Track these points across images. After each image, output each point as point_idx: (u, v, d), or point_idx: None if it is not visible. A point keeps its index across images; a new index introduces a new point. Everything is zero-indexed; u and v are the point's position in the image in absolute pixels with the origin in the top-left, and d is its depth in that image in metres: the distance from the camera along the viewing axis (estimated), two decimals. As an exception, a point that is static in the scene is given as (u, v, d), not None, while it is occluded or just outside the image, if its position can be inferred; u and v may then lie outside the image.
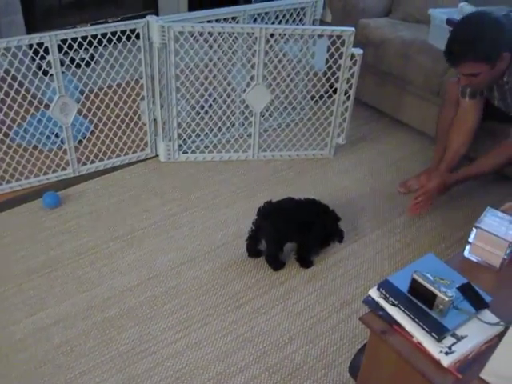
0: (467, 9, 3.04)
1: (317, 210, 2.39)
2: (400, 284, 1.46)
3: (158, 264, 2.39)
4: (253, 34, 2.69)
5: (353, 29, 2.74)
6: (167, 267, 2.37)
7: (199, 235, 2.54)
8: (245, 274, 2.35)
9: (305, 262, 2.41)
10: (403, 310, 1.40)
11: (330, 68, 2.95)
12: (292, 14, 3.08)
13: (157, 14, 4.32)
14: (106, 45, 2.66)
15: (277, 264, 2.39)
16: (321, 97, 3.04)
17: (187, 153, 3.02)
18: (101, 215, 2.64)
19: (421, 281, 1.40)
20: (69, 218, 2.61)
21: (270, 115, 3.15)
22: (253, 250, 2.43)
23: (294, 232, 2.34)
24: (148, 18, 2.65)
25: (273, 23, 3.05)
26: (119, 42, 2.68)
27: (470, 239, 1.66)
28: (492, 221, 1.65)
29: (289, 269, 2.39)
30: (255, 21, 3.01)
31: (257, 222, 2.37)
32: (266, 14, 3.00)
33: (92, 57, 2.72)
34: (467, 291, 1.47)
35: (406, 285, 1.45)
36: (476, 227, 1.64)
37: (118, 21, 3.98)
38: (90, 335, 2.07)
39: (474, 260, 1.67)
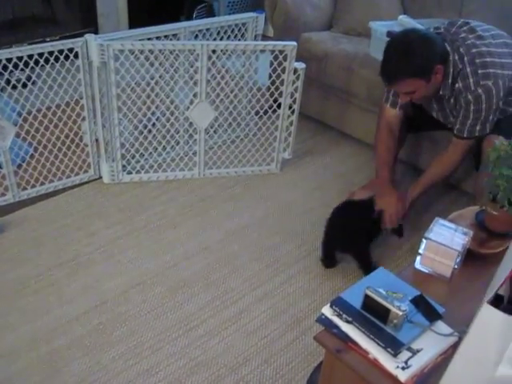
0: (406, 21, 3.09)
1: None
2: (353, 300, 1.44)
3: (105, 290, 2.31)
4: (194, 50, 2.65)
5: (294, 43, 2.74)
6: (115, 293, 2.30)
7: (146, 258, 2.48)
8: (195, 295, 2.30)
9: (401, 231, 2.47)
10: (357, 327, 1.38)
11: (273, 83, 2.94)
12: (234, 29, 3.06)
13: (96, 32, 4.24)
14: (43, 65, 2.58)
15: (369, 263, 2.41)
16: (265, 112, 3.03)
17: (131, 173, 2.95)
18: (44, 241, 2.54)
19: (374, 296, 1.38)
20: (10, 246, 2.50)
21: (214, 132, 3.12)
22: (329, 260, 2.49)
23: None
24: (86, 36, 2.59)
25: (215, 39, 3.03)
26: (57, 61, 2.61)
27: (420, 250, 1.66)
28: (441, 231, 1.66)
29: (240, 288, 2.35)
30: (197, 37, 2.98)
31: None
32: (208, 30, 2.97)
33: (29, 78, 2.63)
34: (420, 303, 1.46)
35: (359, 301, 1.43)
36: (425, 238, 1.64)
37: (56, 40, 3.88)
38: (35, 369, 1.97)
39: (425, 271, 1.67)
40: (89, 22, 4.35)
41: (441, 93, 2.31)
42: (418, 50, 2.15)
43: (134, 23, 4.56)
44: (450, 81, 2.26)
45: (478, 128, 2.31)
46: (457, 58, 2.22)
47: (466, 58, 2.21)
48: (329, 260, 2.49)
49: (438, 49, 2.19)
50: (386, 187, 2.50)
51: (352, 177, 3.09)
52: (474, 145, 2.40)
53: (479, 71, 2.19)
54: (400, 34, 2.29)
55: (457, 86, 2.25)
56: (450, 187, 2.96)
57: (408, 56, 2.15)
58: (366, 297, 1.39)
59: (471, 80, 2.21)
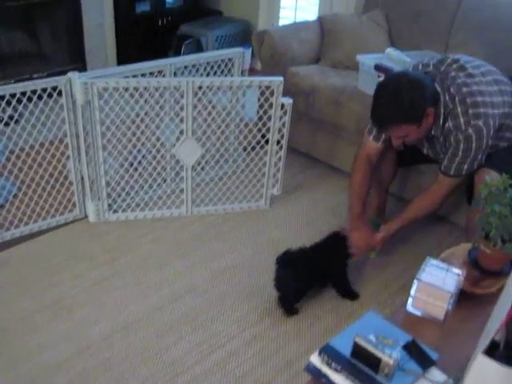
0: (394, 54, 3.08)
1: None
2: (342, 348, 1.38)
3: (89, 334, 2.23)
4: (180, 87, 2.62)
5: (281, 78, 2.71)
6: (99, 337, 2.22)
7: (132, 300, 2.40)
8: (182, 338, 2.22)
9: (350, 293, 2.44)
10: (347, 377, 1.32)
11: (260, 118, 2.91)
12: (220, 65, 3.04)
13: (85, 68, 4.24)
14: (26, 103, 2.54)
15: (291, 309, 2.36)
16: (253, 148, 2.99)
17: (118, 212, 2.89)
18: (27, 284, 2.47)
19: (364, 344, 1.32)
20: (-9, 289, 2.44)
21: (202, 169, 3.07)
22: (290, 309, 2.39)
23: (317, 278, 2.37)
24: (70, 74, 2.55)
25: (201, 75, 3.00)
26: (40, 99, 2.57)
27: (412, 292, 1.60)
28: (432, 271, 1.61)
29: (228, 330, 2.27)
30: (183, 73, 2.95)
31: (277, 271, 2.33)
32: (194, 66, 2.95)
33: (12, 116, 2.59)
34: (412, 349, 1.40)
35: (348, 348, 1.37)
36: (417, 279, 1.59)
37: (43, 77, 3.86)
38: (13, 421, 1.89)
39: (418, 314, 1.61)
40: (77, 59, 4.36)
41: (432, 133, 2.29)
42: (408, 96, 2.11)
43: (122, 59, 4.57)
44: (441, 121, 2.23)
45: (465, 167, 2.27)
46: (447, 98, 2.20)
47: (456, 98, 2.18)
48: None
49: (429, 91, 2.16)
50: (356, 222, 2.51)
51: (342, 212, 3.04)
52: (460, 182, 2.37)
53: (470, 111, 2.16)
54: (389, 78, 2.26)
55: (447, 125, 2.22)
56: (442, 220, 2.92)
57: (398, 102, 2.12)
58: (356, 345, 1.33)
59: (462, 120, 2.17)
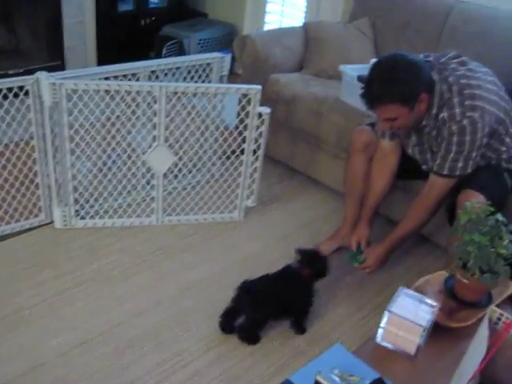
0: (377, 66, 2.99)
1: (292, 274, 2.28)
2: (303, 385, 1.28)
3: (45, 349, 2.11)
4: (153, 92, 2.51)
5: (259, 87, 2.60)
6: (56, 353, 2.10)
7: (94, 313, 2.29)
8: (143, 357, 2.11)
9: (300, 328, 2.29)
10: (307, 419, 1.22)
11: (237, 127, 2.80)
12: (198, 70, 2.93)
13: (63, 66, 4.13)
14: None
15: (254, 339, 2.23)
16: (228, 157, 2.88)
17: (85, 218, 2.77)
18: (-16, 292, 2.35)
19: (325, 383, 1.21)
20: None
21: (174, 177, 2.95)
22: (228, 328, 2.24)
23: (279, 307, 2.21)
24: (38, 74, 2.43)
25: (185, 78, 2.89)
26: (5, 99, 2.45)
27: (382, 324, 1.50)
28: (405, 303, 1.51)
29: (191, 349, 2.16)
30: (162, 77, 2.84)
31: (237, 298, 2.19)
32: (170, 70, 2.84)
33: (-25, 115, 2.48)
34: (379, 389, 1.30)
35: (310, 385, 1.26)
36: (388, 311, 1.48)
37: (20, 73, 3.75)
38: None
39: (388, 346, 1.51)
40: (55, 56, 4.23)
41: (424, 123, 2.21)
42: (403, 76, 2.05)
43: (102, 58, 4.45)
44: (434, 111, 2.16)
45: (459, 165, 2.18)
46: (445, 87, 2.12)
47: (454, 88, 2.11)
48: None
49: (425, 77, 2.10)
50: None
51: (320, 226, 2.95)
52: (451, 187, 2.27)
53: (466, 102, 2.09)
54: (387, 57, 2.17)
55: (441, 115, 2.14)
56: (422, 240, 2.84)
57: (393, 81, 2.05)
58: (317, 383, 1.23)
59: (457, 110, 2.10)
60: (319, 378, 1.22)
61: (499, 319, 1.46)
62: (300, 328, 2.29)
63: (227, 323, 2.24)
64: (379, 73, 2.10)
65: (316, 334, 2.28)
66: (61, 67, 4.09)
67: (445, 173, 2.22)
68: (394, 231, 2.43)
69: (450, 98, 2.12)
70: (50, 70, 2.53)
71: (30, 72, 2.50)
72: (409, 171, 2.53)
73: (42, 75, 2.42)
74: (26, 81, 2.42)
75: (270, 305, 2.17)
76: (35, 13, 4.12)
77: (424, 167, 2.41)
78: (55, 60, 4.21)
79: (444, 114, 2.14)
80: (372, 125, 2.58)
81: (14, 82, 2.42)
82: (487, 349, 1.13)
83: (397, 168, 2.52)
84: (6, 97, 2.44)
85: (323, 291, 2.44)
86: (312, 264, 2.28)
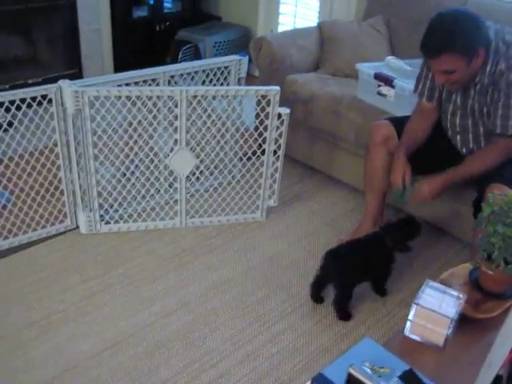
0: (394, 62, 3.02)
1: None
2: (336, 378, 1.31)
3: (77, 352, 2.15)
4: (173, 96, 2.55)
5: (278, 88, 2.63)
6: (87, 355, 2.14)
7: (122, 316, 2.33)
8: (173, 357, 2.15)
9: (382, 290, 2.47)
10: (340, 410, 1.24)
11: (256, 128, 2.83)
12: (216, 73, 2.96)
13: (81, 74, 4.19)
14: (14, 112, 2.47)
15: (344, 313, 2.35)
16: (249, 158, 2.91)
17: (110, 223, 2.82)
18: (15, 298, 2.39)
19: (358, 375, 1.24)
20: (-23, 304, 2.36)
21: (196, 179, 2.99)
22: (317, 297, 2.42)
23: (365, 272, 2.36)
24: (60, 82, 2.48)
25: (204, 81, 2.93)
26: (30, 108, 2.50)
27: (410, 317, 1.52)
28: (431, 295, 1.53)
29: (220, 348, 2.19)
30: (180, 81, 2.88)
31: (324, 266, 2.32)
32: (189, 74, 2.87)
33: (0, 125, 2.52)
34: (410, 380, 1.32)
35: (341, 378, 1.29)
36: (415, 304, 1.51)
37: (39, 82, 3.80)
38: None
39: (416, 339, 1.53)
40: (73, 64, 4.29)
41: (476, 80, 2.23)
42: (465, 28, 2.08)
43: (119, 65, 4.51)
44: (488, 68, 2.18)
45: None
46: (500, 44, 2.16)
47: (511, 45, 2.16)
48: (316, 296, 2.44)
49: (484, 32, 2.13)
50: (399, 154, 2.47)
51: (341, 224, 2.97)
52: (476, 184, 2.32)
53: None
54: (448, 10, 2.19)
55: (498, 68, 2.16)
56: (443, 233, 2.85)
57: (454, 31, 2.08)
58: (350, 376, 1.26)
59: None
60: (352, 371, 1.25)
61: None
62: (382, 291, 2.47)
63: (316, 292, 2.41)
64: (440, 23, 2.12)
65: (341, 331, 2.30)
66: (78, 75, 4.13)
67: (509, 133, 2.21)
68: (455, 169, 2.37)
69: (506, 51, 2.15)
70: (68, 78, 2.56)
71: (49, 81, 2.55)
72: (431, 165, 2.54)
73: (64, 83, 2.47)
74: (49, 89, 2.47)
75: (355, 271, 2.30)
76: (52, 22, 4.18)
77: (463, 151, 2.45)
78: (73, 68, 4.27)
79: (501, 66, 2.16)
80: (391, 119, 2.60)
81: (37, 90, 2.46)
82: (516, 337, 1.15)
83: (434, 128, 2.53)
84: (29, 105, 2.49)
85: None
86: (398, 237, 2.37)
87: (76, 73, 4.19)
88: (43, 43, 4.31)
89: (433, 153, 2.50)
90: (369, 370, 1.26)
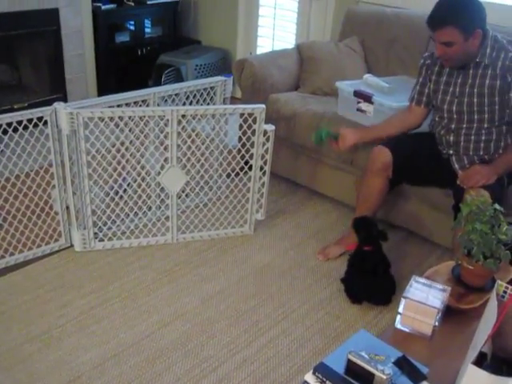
0: (371, 79, 3.17)
1: None
2: (336, 365, 1.42)
3: (79, 363, 2.23)
4: (164, 116, 2.66)
5: (263, 106, 2.77)
6: (89, 366, 2.22)
7: (122, 328, 2.41)
8: (173, 364, 2.24)
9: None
10: (342, 394, 1.35)
11: (243, 145, 2.96)
12: (202, 93, 3.09)
13: (65, 98, 4.26)
14: (11, 134, 2.56)
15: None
16: (237, 174, 3.03)
17: (103, 240, 2.91)
18: (14, 315, 2.46)
19: (357, 361, 1.36)
20: (-23, 322, 2.43)
21: (186, 196, 3.10)
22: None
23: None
24: (55, 104, 2.58)
25: (184, 103, 3.05)
26: (26, 130, 2.59)
27: (400, 310, 1.65)
28: (418, 289, 1.66)
29: (219, 355, 2.29)
30: (166, 102, 2.99)
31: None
32: (177, 94, 2.99)
33: (-3, 147, 2.62)
34: (403, 365, 1.44)
35: (342, 366, 1.40)
36: (404, 297, 1.63)
37: (24, 107, 3.89)
38: None
39: (406, 330, 1.65)
40: (57, 89, 4.38)
41: (477, 59, 2.45)
42: (469, 7, 2.36)
43: (102, 88, 4.61)
44: (488, 50, 2.44)
45: None
46: (499, 36, 2.46)
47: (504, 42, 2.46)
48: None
49: (483, 16, 2.40)
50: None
51: (326, 235, 3.09)
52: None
53: None
54: None
55: (507, 55, 2.42)
56: (423, 240, 2.98)
57: (459, 8, 2.35)
58: (349, 362, 1.37)
59: None
60: (351, 357, 1.36)
61: (505, 292, 1.60)
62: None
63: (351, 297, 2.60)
64: (448, 2, 2.40)
65: (332, 334, 2.41)
66: (63, 99, 4.21)
67: None
68: (500, 157, 2.55)
69: (504, 46, 2.43)
70: (53, 102, 2.64)
71: (34, 105, 2.64)
72: (425, 176, 2.73)
73: (59, 105, 2.57)
74: (45, 111, 2.57)
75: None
76: (37, 48, 4.28)
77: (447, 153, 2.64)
78: (57, 92, 4.35)
79: (502, 55, 2.42)
80: (389, 144, 2.71)
81: (34, 113, 2.56)
82: (497, 317, 1.27)
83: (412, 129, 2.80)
84: (26, 127, 2.58)
85: (338, 293, 2.58)
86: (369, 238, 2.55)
87: (60, 97, 4.26)
88: (28, 68, 4.40)
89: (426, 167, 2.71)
90: (366, 356, 1.37)
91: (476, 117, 2.52)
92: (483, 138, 2.54)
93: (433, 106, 2.71)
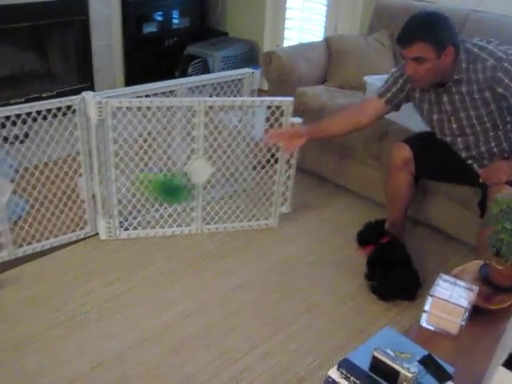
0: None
1: None
2: (360, 362, 1.41)
3: (102, 350, 2.25)
4: (192, 107, 2.67)
5: (291, 99, 2.76)
6: (113, 353, 2.24)
7: (145, 316, 2.43)
8: (194, 355, 2.25)
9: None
10: (366, 390, 1.34)
11: (270, 137, 2.94)
12: (230, 85, 3.08)
13: (93, 88, 4.29)
14: (40, 122, 2.59)
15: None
16: (262, 167, 3.03)
17: (128, 230, 2.92)
18: (40, 300, 2.49)
19: (382, 358, 1.35)
20: (5, 306, 2.45)
21: (212, 187, 3.10)
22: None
23: None
24: (84, 93, 2.60)
25: (211, 95, 3.04)
26: (55, 118, 2.61)
27: (426, 308, 1.63)
28: (445, 287, 1.64)
29: (240, 347, 2.29)
30: (193, 93, 3.00)
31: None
32: (204, 86, 2.99)
33: (26, 134, 2.64)
34: (429, 364, 1.43)
35: (366, 362, 1.39)
36: (430, 295, 1.62)
37: (52, 95, 3.93)
38: None
39: (432, 329, 1.64)
40: (85, 78, 4.40)
41: (456, 77, 2.36)
42: (438, 23, 2.29)
43: (129, 79, 4.63)
44: (464, 65, 2.34)
45: None
46: (470, 46, 2.37)
47: (478, 49, 2.36)
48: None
49: (454, 33, 2.32)
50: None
51: (351, 230, 3.04)
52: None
53: (498, 49, 2.34)
54: (425, 10, 2.46)
55: (484, 65, 2.31)
56: (449, 239, 2.95)
57: (430, 23, 2.29)
58: (374, 358, 1.36)
59: (495, 56, 2.31)
60: (376, 354, 1.35)
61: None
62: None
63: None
64: (416, 17, 2.35)
65: (354, 330, 2.40)
66: (90, 89, 4.24)
67: None
68: None
69: (480, 51, 2.33)
70: (80, 91, 2.66)
71: (62, 94, 2.65)
72: (448, 173, 2.70)
73: (88, 95, 2.59)
74: (74, 100, 2.59)
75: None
76: (65, 38, 4.31)
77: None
78: (85, 82, 4.38)
79: (490, 62, 2.30)
80: (410, 141, 2.68)
81: (63, 101, 2.58)
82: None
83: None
84: (54, 115, 2.60)
85: (362, 288, 2.57)
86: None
87: (88, 86, 4.29)
88: (57, 58, 4.43)
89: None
90: (392, 353, 1.36)
91: (478, 128, 2.46)
92: (493, 144, 2.48)
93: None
